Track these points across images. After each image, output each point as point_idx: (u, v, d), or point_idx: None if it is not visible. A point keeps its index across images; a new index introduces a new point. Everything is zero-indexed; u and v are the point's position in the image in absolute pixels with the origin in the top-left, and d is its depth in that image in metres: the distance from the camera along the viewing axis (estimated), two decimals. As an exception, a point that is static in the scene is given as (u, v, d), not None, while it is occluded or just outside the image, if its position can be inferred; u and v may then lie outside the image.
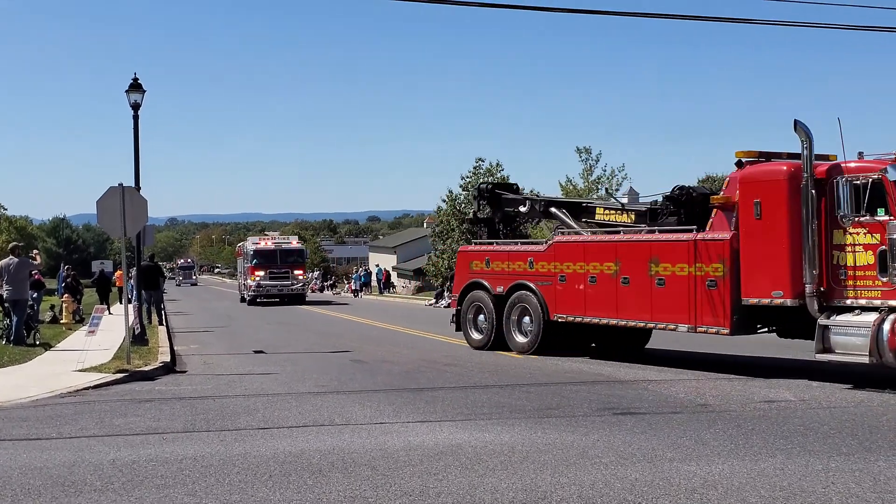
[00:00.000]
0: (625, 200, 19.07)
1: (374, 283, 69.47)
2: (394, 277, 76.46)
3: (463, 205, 57.74)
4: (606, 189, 46.60)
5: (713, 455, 8.71)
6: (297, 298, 46.79)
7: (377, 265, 76.65)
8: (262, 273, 46.65)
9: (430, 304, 46.46)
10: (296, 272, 47.66)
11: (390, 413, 11.49)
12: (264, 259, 47.05)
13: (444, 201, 59.91)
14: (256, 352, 20.54)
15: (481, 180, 18.33)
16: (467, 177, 59.21)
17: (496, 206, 21.58)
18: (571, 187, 46.87)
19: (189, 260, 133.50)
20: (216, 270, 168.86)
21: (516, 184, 24.88)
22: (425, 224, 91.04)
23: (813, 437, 9.57)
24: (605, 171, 46.48)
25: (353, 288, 63.51)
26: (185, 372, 16.85)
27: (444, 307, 43.44)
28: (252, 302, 46.64)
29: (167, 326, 28.66)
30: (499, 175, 57.37)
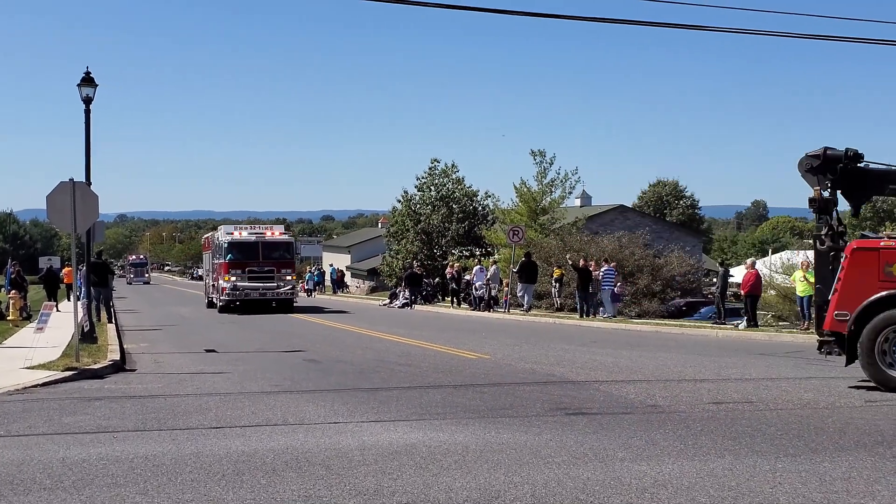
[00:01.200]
0: None
1: (328, 282, 69.27)
2: (348, 277, 76.30)
3: (418, 205, 57.81)
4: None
5: (663, 455, 8.83)
6: (285, 305, 37.92)
7: (331, 265, 76.46)
8: (238, 272, 37.18)
9: (384, 305, 46.44)
10: (283, 271, 38.10)
11: (344, 412, 11.49)
12: (242, 254, 37.57)
13: (399, 202, 59.89)
14: (208, 351, 20.41)
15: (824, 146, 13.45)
16: (423, 177, 59.27)
17: (853, 184, 14.50)
18: (526, 189, 47.14)
19: (142, 256, 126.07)
20: (166, 268, 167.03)
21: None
22: (380, 224, 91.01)
23: (760, 438, 9.74)
24: (559, 173, 46.79)
25: (307, 287, 63.29)
26: (134, 370, 16.69)
27: (399, 307, 43.50)
28: (225, 309, 37.41)
29: (116, 324, 28.33)
30: (454, 177, 57.58)
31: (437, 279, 50.24)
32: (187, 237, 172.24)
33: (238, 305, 37.28)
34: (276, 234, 39.32)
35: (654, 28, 15.88)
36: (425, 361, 17.70)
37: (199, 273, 76.40)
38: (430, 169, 57.90)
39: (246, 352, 20.17)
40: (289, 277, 38.25)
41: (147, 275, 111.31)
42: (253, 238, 38.40)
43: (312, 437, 9.78)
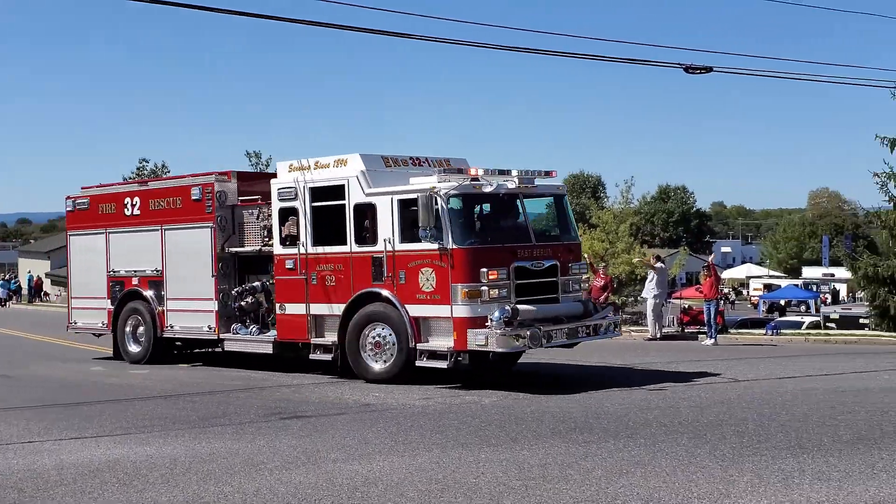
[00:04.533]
0: None
1: (24, 290, 64.58)
2: (47, 285, 71.44)
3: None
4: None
5: (375, 453, 9.00)
6: None
7: (28, 272, 71.26)
8: None
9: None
10: None
11: (40, 430, 10.77)
12: None
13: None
14: None
15: None
16: (129, 178, 56.75)
17: None
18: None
19: None
20: None
21: None
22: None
23: (466, 430, 10.17)
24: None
25: (0, 297, 58.65)
26: None
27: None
28: None
29: None
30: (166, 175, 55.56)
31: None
32: None
33: None
34: None
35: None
36: (132, 372, 16.95)
37: None
38: (138, 169, 55.61)
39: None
40: None
41: None
42: None
43: (3, 459, 9.08)
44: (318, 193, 14.82)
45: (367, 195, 14.12)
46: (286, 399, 13.00)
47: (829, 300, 56.08)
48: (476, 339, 12.90)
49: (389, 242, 13.80)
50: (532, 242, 13.99)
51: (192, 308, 16.83)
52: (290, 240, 15.11)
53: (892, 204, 28.41)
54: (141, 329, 17.78)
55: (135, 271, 17.77)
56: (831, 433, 9.52)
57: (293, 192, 15.07)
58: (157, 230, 17.32)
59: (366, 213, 14.20)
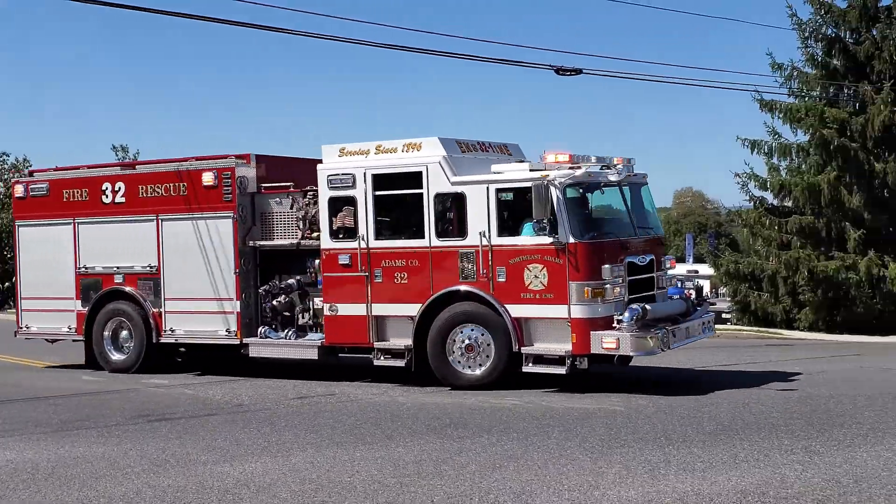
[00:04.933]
0: None
1: None
2: None
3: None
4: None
5: (247, 454, 8.86)
6: None
7: None
8: None
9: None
10: None
11: None
12: None
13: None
14: None
15: None
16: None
17: None
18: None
19: None
20: None
21: None
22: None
23: (341, 429, 10.11)
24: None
25: None
26: None
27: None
28: None
29: None
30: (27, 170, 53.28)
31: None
32: None
33: None
34: None
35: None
36: (-8, 375, 16.22)
37: None
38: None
39: None
40: None
41: None
42: None
43: None
44: (383, 181, 13.32)
45: (454, 184, 12.79)
46: (155, 401, 12.66)
47: (692, 296, 57.88)
48: (604, 342, 11.89)
49: (484, 236, 12.53)
50: (637, 236, 13.14)
51: (202, 309, 14.74)
52: (345, 232, 13.51)
53: (752, 203, 29.60)
54: (124, 333, 15.48)
55: (117, 268, 15.40)
56: (696, 425, 9.85)
57: (350, 179, 13.47)
58: (152, 220, 15.08)
59: (450, 203, 12.98)
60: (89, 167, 16.66)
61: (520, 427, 9.93)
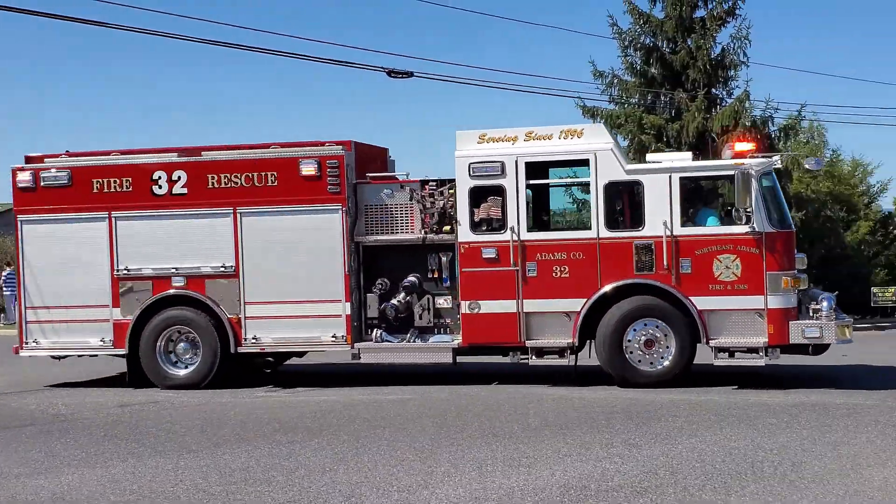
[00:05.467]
0: None
1: None
2: None
3: None
4: None
5: (64, 466, 8.45)
6: None
7: None
8: None
9: None
10: None
11: None
12: None
13: None
14: None
15: None
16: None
17: None
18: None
19: None
20: None
21: None
22: None
23: (165, 437, 9.79)
24: None
25: None
26: None
27: None
28: None
29: None
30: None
31: None
32: None
33: None
34: None
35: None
36: None
37: None
38: None
39: None
40: None
41: None
42: None
43: None
44: (539, 169, 12.81)
45: (630, 172, 12.40)
46: (-37, 412, 11.92)
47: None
48: (806, 332, 11.78)
49: (667, 226, 12.08)
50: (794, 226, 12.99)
51: (297, 313, 13.15)
52: (489, 224, 12.72)
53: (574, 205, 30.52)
54: (182, 345, 13.41)
55: (175, 269, 13.31)
56: (522, 421, 10.09)
57: (498, 167, 12.63)
58: (227, 215, 13.26)
59: (622, 193, 12.59)
60: (126, 152, 13.96)
61: (351, 429, 9.89)
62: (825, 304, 12.03)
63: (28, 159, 14.01)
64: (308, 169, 13.01)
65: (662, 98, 29.79)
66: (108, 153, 13.98)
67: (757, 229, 11.98)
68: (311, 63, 18.77)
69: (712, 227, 12.38)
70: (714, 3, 29.42)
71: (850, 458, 8.11)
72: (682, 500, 6.87)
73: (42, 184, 13.65)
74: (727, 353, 12.12)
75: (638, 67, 29.86)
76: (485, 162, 12.69)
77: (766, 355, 12.04)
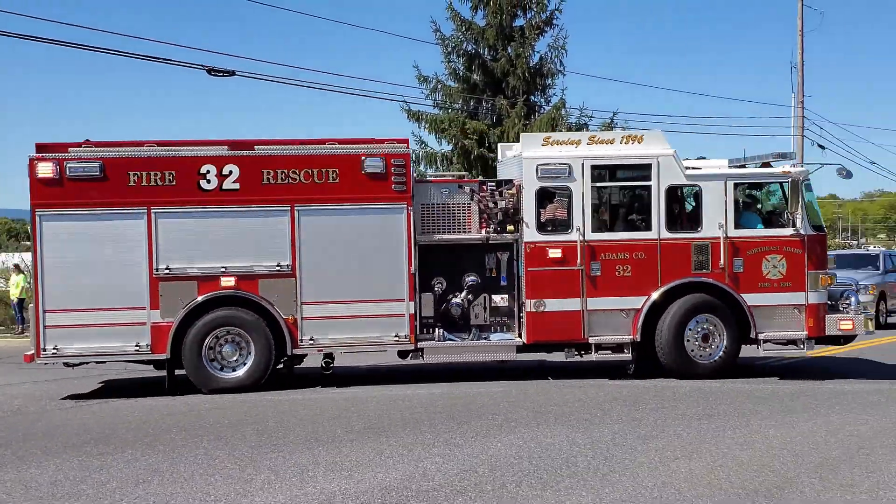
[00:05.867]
0: None
1: None
2: None
3: None
4: None
5: None
6: None
7: None
8: None
9: None
10: None
11: None
12: None
13: None
14: None
15: None
16: None
17: None
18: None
19: None
20: None
21: None
22: None
23: (-36, 453, 9.20)
24: None
25: None
26: None
27: None
28: None
29: None
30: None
31: None
32: None
33: None
34: None
35: None
36: None
37: None
38: None
39: None
40: None
41: None
42: None
43: None
44: (603, 172, 13.33)
45: (689, 178, 13.31)
46: None
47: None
48: (840, 324, 13.38)
49: (722, 228, 13.11)
50: None
51: (358, 313, 12.88)
52: (555, 225, 13.22)
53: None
54: (228, 347, 12.75)
55: (224, 268, 12.68)
56: (345, 424, 10.04)
57: (566, 169, 13.14)
58: (284, 212, 12.79)
59: (681, 196, 13.53)
60: (164, 143, 13.06)
61: (167, 439, 9.58)
62: (853, 299, 13.86)
63: (42, 148, 12.71)
64: (373, 167, 12.87)
65: (485, 104, 30.42)
66: (140, 143, 13.01)
67: (801, 232, 13.29)
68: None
69: (761, 230, 13.51)
70: (533, 13, 30.32)
71: (658, 452, 8.51)
72: (500, 497, 7.03)
73: (68, 175, 12.50)
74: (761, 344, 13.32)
75: (461, 73, 30.40)
76: (553, 164, 13.20)
77: (804, 346, 13.45)
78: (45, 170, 12.46)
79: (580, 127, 29.73)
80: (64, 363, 13.04)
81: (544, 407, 10.90)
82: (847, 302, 13.72)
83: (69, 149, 12.73)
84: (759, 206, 13.97)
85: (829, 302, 13.58)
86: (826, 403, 11.12)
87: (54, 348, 12.56)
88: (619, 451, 8.47)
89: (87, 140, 12.99)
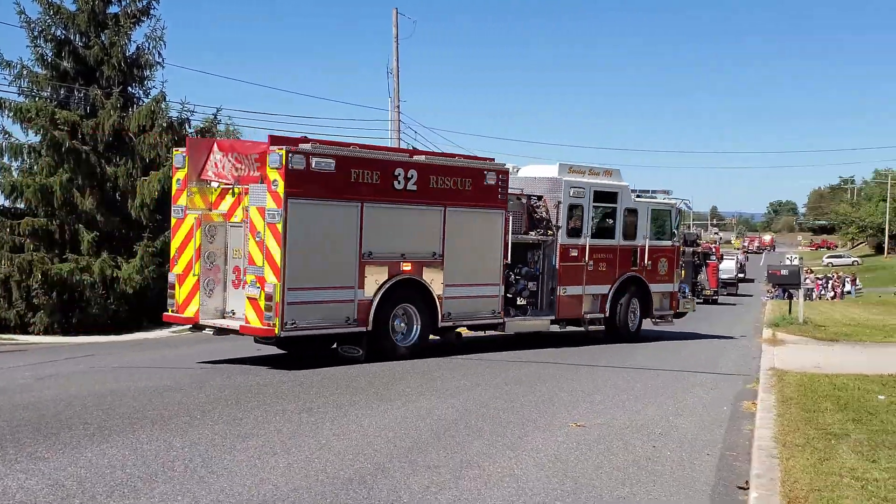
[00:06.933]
0: None
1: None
2: None
3: None
4: None
5: None
6: None
7: None
8: None
9: None
10: None
11: None
12: None
13: None
14: None
15: None
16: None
17: None
18: None
19: None
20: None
21: None
22: None
23: None
24: None
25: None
26: None
27: None
28: None
29: None
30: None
31: None
32: None
33: None
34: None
35: None
36: None
37: None
38: None
39: None
40: None
41: None
42: None
43: None
44: (598, 196, 19.01)
45: (635, 202, 19.77)
46: None
47: None
48: (684, 306, 22.10)
49: (645, 239, 19.79)
50: None
51: (473, 294, 16.55)
52: (575, 231, 18.62)
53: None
54: (398, 321, 15.65)
55: (402, 255, 15.46)
56: None
57: (584, 191, 18.66)
58: (439, 210, 15.98)
59: (627, 216, 19.58)
60: (364, 147, 16.07)
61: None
62: (686, 288, 21.69)
63: (274, 140, 14.28)
64: (490, 179, 16.69)
65: (77, 93, 28.70)
66: (346, 145, 15.47)
67: (676, 243, 21.00)
68: None
69: (660, 241, 20.42)
70: (128, 1, 29.14)
71: (257, 449, 8.54)
72: (87, 511, 6.66)
73: (313, 167, 14.10)
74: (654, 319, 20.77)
75: (49, 60, 28.46)
76: (578, 187, 18.65)
77: (671, 320, 21.14)
78: (297, 161, 13.97)
79: (182, 121, 29.04)
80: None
81: (141, 412, 10.50)
82: (683, 292, 21.53)
83: (298, 144, 14.47)
84: (661, 225, 20.21)
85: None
86: (417, 390, 11.82)
87: (292, 322, 13.97)
88: (217, 452, 8.39)
89: (304, 137, 15.51)
